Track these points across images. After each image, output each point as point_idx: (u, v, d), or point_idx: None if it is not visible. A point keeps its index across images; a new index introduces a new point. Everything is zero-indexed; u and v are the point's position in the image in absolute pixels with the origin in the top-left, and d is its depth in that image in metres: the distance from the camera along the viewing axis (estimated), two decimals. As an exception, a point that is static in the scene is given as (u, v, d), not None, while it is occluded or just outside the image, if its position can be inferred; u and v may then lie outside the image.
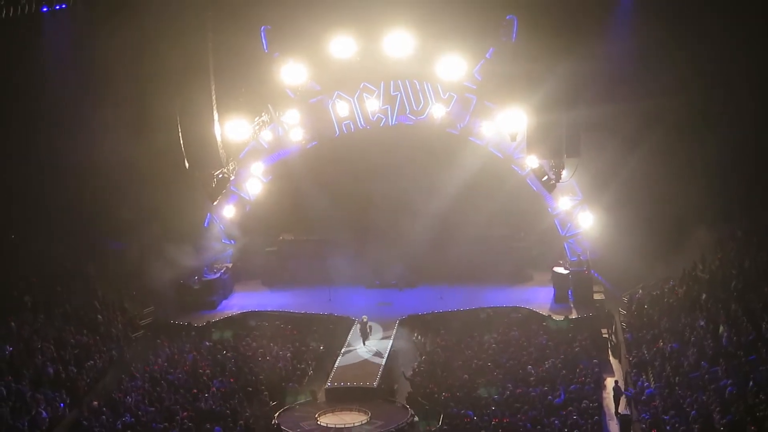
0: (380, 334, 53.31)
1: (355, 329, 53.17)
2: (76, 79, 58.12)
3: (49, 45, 58.17)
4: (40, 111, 58.03)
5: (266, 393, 46.52)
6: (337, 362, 50.24)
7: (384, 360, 50.14)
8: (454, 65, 54.28)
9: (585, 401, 42.51)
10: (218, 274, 60.47)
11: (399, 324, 54.40)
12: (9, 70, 56.21)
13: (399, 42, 53.46)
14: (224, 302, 60.15)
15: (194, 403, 44.93)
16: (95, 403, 44.94)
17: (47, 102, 57.92)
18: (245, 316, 56.98)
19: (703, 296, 47.59)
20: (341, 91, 59.53)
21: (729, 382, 38.73)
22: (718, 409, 37.50)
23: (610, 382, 46.62)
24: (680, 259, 52.78)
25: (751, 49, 53.15)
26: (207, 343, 52.24)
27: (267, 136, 59.45)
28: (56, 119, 58.08)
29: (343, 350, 51.56)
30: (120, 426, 42.59)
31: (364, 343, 51.96)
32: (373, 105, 59.41)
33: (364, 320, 52.85)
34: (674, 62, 54.84)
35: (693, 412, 38.09)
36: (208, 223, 61.72)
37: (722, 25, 53.13)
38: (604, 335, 52.83)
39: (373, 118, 60.10)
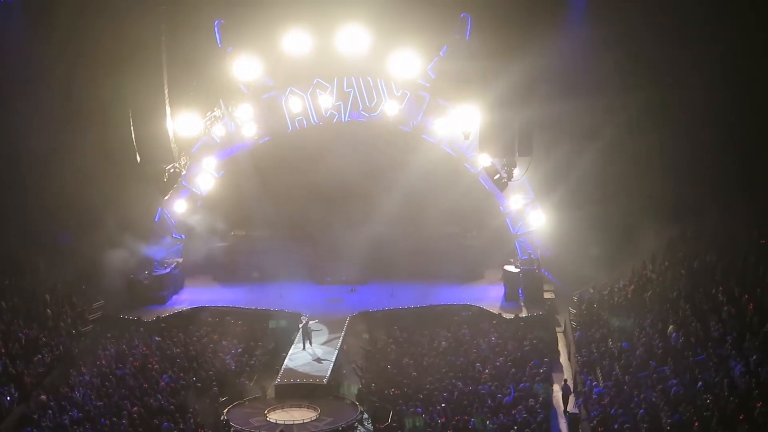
0: (328, 332, 53.28)
1: (299, 334, 52.81)
2: (28, 71, 57.71)
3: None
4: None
5: (216, 388, 46.34)
6: (287, 358, 50.13)
7: (334, 357, 50.09)
8: (408, 62, 54.39)
9: (533, 399, 42.65)
10: (169, 269, 60.34)
11: (349, 321, 54.38)
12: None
13: (353, 38, 53.55)
14: (174, 297, 60.12)
15: (143, 398, 44.68)
16: (42, 397, 44.72)
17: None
18: (195, 312, 56.77)
19: (652, 296, 47.87)
20: (294, 87, 59.29)
21: (675, 381, 39.02)
22: (666, 408, 37.78)
23: (559, 381, 46.77)
24: (630, 259, 53.05)
25: (704, 47, 53.40)
26: (156, 339, 51.96)
27: (219, 131, 59.06)
28: (6, 111, 57.65)
29: (293, 347, 51.43)
30: (67, 421, 42.35)
31: (304, 347, 51.43)
32: (326, 101, 59.21)
33: (305, 321, 52.60)
34: (627, 59, 55.06)
35: (641, 411, 38.33)
36: (159, 217, 61.41)
37: (676, 21, 53.43)
38: (559, 331, 53.33)
39: (326, 114, 59.91)
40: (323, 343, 51.85)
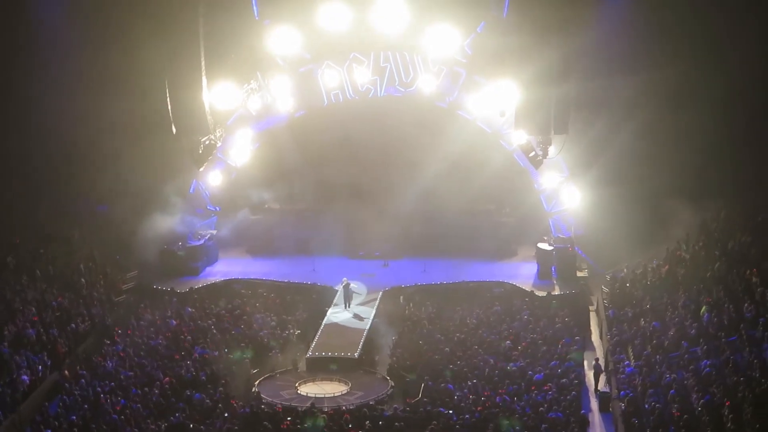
0: (364, 298, 53.83)
1: (339, 293, 53.47)
2: (63, 41, 57.92)
3: (39, 7, 58.06)
4: (24, 71, 57.99)
5: (248, 360, 46.55)
6: (318, 332, 50.29)
7: (366, 331, 50.23)
8: (445, 38, 54.38)
9: (564, 378, 42.65)
10: (202, 241, 60.52)
11: (382, 295, 54.51)
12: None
13: (390, 13, 53.53)
14: (208, 269, 60.33)
15: (175, 369, 44.95)
16: (66, 373, 44.92)
17: (32, 62, 57.93)
18: (228, 284, 57.00)
19: (686, 276, 47.69)
20: (331, 61, 59.09)
21: (707, 362, 38.92)
22: (696, 388, 37.70)
23: (590, 359, 46.70)
24: (665, 239, 52.85)
25: (742, 24, 53.09)
26: (189, 310, 52.23)
27: (255, 103, 58.98)
28: (41, 80, 57.93)
29: (325, 320, 51.64)
30: (99, 390, 42.60)
31: (346, 307, 52.48)
32: (362, 75, 59.00)
33: (346, 283, 53.12)
34: (664, 37, 54.76)
35: (672, 391, 38.27)
36: (193, 189, 61.53)
37: (711, 3, 53.26)
38: (591, 309, 53.31)
39: (361, 88, 59.69)
40: (357, 315, 52.16)
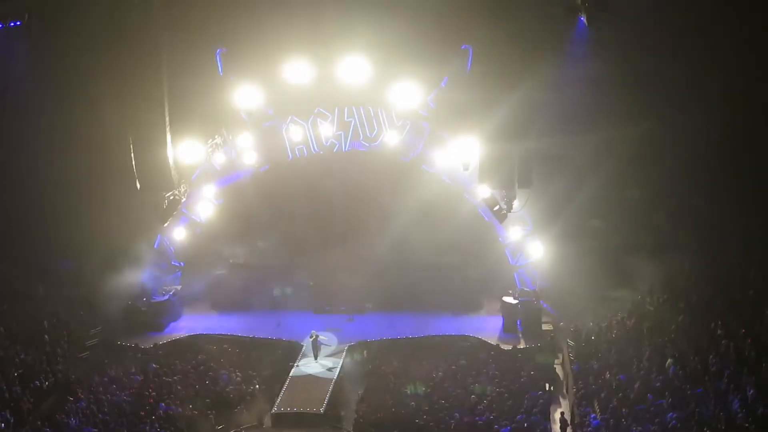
0: (330, 356, 53.51)
1: (307, 346, 53.62)
2: (29, 97, 57.78)
3: (1, 61, 57.85)
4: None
5: (212, 417, 46.24)
6: (284, 387, 50.05)
7: (332, 385, 50.01)
8: (409, 93, 54.66)
9: (531, 432, 42.65)
10: (167, 297, 60.20)
11: (348, 350, 54.35)
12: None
13: (354, 68, 53.81)
14: (172, 324, 59.91)
15: (139, 426, 44.57)
16: (38, 423, 44.50)
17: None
18: (193, 339, 56.69)
19: (651, 329, 47.81)
20: (295, 116, 59.25)
21: (674, 415, 38.97)
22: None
23: (556, 413, 46.65)
24: (629, 291, 53.00)
25: (705, 82, 53.61)
26: (153, 366, 51.87)
27: (220, 158, 59.01)
28: (5, 136, 57.70)
29: (290, 375, 51.46)
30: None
31: (315, 358, 52.48)
32: (326, 130, 59.19)
33: (314, 336, 53.15)
34: (627, 92, 55.16)
35: (638, 444, 38.37)
36: (158, 244, 61.28)
37: (676, 55, 53.64)
38: (556, 364, 53.27)
39: (326, 143, 59.82)
40: (323, 368, 52.08)
